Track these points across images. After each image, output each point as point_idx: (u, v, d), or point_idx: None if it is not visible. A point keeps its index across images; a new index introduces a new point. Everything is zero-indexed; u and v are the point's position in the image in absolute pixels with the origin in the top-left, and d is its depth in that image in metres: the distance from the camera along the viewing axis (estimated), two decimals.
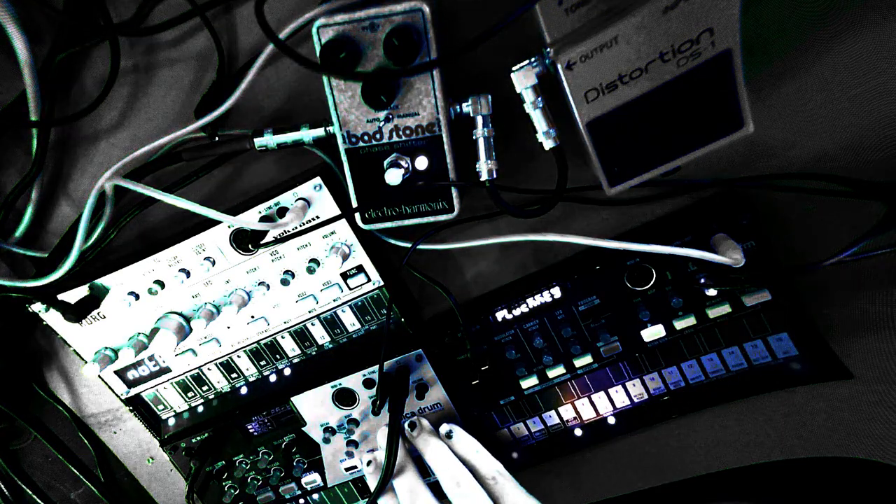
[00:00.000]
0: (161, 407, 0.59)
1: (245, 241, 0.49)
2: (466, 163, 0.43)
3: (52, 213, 0.52)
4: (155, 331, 0.51)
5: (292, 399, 0.56)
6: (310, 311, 0.53)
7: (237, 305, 0.51)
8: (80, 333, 0.53)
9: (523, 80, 0.39)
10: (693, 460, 0.57)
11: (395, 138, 0.42)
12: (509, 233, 0.47)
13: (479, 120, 0.41)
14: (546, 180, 0.46)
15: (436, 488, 0.48)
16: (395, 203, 0.45)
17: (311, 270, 0.50)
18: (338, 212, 0.47)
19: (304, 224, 0.48)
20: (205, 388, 0.58)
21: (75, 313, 0.50)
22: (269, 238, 0.48)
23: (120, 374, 0.57)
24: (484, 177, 0.42)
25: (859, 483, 0.55)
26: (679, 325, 0.50)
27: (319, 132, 0.44)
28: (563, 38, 0.37)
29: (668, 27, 0.35)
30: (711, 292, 0.49)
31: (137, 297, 0.51)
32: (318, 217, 0.48)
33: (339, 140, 0.43)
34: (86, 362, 0.52)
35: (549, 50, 0.37)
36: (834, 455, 0.54)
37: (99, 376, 0.56)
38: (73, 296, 0.51)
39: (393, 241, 0.49)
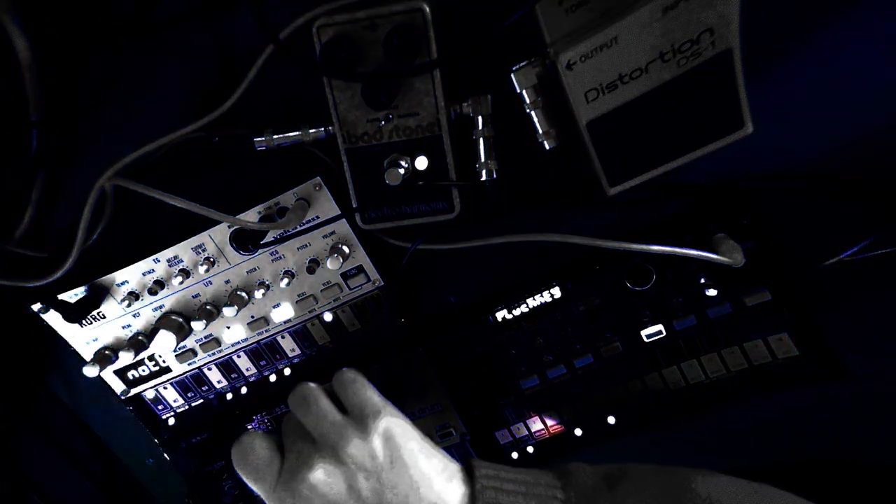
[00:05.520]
0: (161, 407, 0.59)
1: (245, 241, 0.49)
2: (466, 163, 0.43)
3: (52, 213, 0.52)
4: (155, 331, 0.51)
5: None
6: (310, 311, 0.53)
7: (237, 305, 0.51)
8: (80, 333, 0.53)
9: (523, 80, 0.39)
10: (693, 460, 0.57)
11: (395, 138, 0.42)
12: (509, 233, 0.47)
13: (479, 120, 0.41)
14: (546, 180, 0.46)
15: None
16: (395, 203, 0.45)
17: (311, 270, 0.50)
18: (338, 212, 0.47)
19: (304, 224, 0.48)
20: (205, 387, 0.58)
21: (75, 313, 0.50)
22: (269, 238, 0.48)
23: (120, 374, 0.57)
24: (484, 177, 0.42)
25: (859, 484, 0.55)
26: (679, 325, 0.50)
27: (319, 132, 0.44)
28: (563, 38, 0.37)
29: (667, 27, 0.35)
30: (711, 292, 0.49)
31: (137, 297, 0.51)
32: (318, 217, 0.48)
33: (339, 140, 0.43)
34: (86, 362, 0.52)
35: (549, 50, 0.37)
36: (834, 456, 0.54)
37: (99, 376, 0.56)
38: (73, 296, 0.51)
39: (393, 241, 0.49)
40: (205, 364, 0.57)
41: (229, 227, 0.49)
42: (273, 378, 0.57)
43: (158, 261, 0.50)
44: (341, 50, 0.38)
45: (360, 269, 0.51)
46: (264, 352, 0.56)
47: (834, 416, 0.52)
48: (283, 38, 0.42)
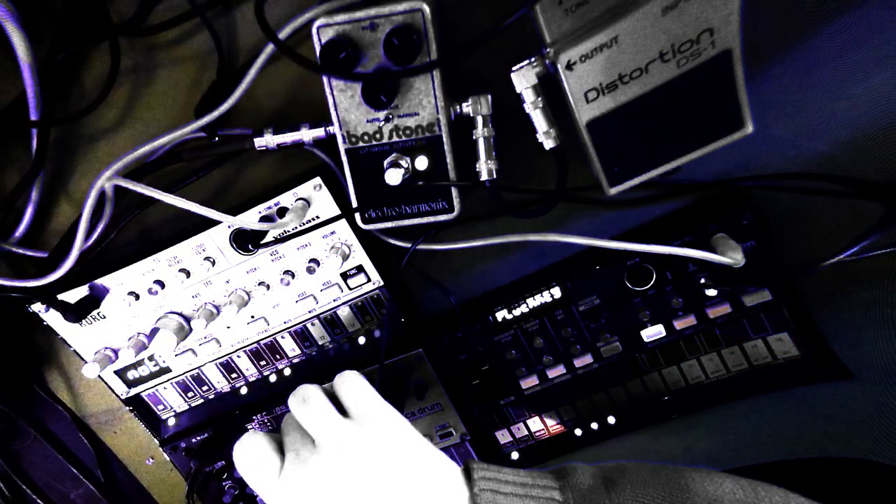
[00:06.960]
0: (161, 407, 0.59)
1: (245, 241, 0.49)
2: (466, 163, 0.43)
3: (52, 213, 0.52)
4: (155, 331, 0.51)
5: None
6: (310, 311, 0.53)
7: (237, 305, 0.51)
8: (80, 333, 0.53)
9: (523, 80, 0.39)
10: (692, 460, 0.57)
11: (395, 138, 0.42)
12: (509, 233, 0.47)
13: (479, 120, 0.41)
14: (546, 180, 0.46)
15: None
16: (395, 203, 0.45)
17: (311, 270, 0.50)
18: (338, 212, 0.47)
19: (304, 224, 0.48)
20: (205, 388, 0.58)
21: (75, 313, 0.50)
22: (269, 238, 0.48)
23: (120, 374, 0.57)
24: (484, 177, 0.42)
25: (859, 483, 0.55)
26: (679, 325, 0.50)
27: (319, 132, 0.44)
28: (563, 38, 0.37)
29: (668, 27, 0.35)
30: (711, 292, 0.49)
31: (137, 297, 0.51)
32: (318, 217, 0.48)
33: (339, 140, 0.43)
34: (86, 362, 0.52)
35: (549, 50, 0.37)
36: (834, 455, 0.54)
37: (99, 376, 0.56)
38: (73, 296, 0.51)
39: (393, 241, 0.49)
40: (205, 364, 0.57)
41: (229, 227, 0.49)
42: (273, 378, 0.57)
43: (158, 261, 0.50)
44: (341, 50, 0.38)
45: (360, 269, 0.51)
46: (264, 352, 0.56)
47: (834, 416, 0.52)
48: (283, 38, 0.42)
